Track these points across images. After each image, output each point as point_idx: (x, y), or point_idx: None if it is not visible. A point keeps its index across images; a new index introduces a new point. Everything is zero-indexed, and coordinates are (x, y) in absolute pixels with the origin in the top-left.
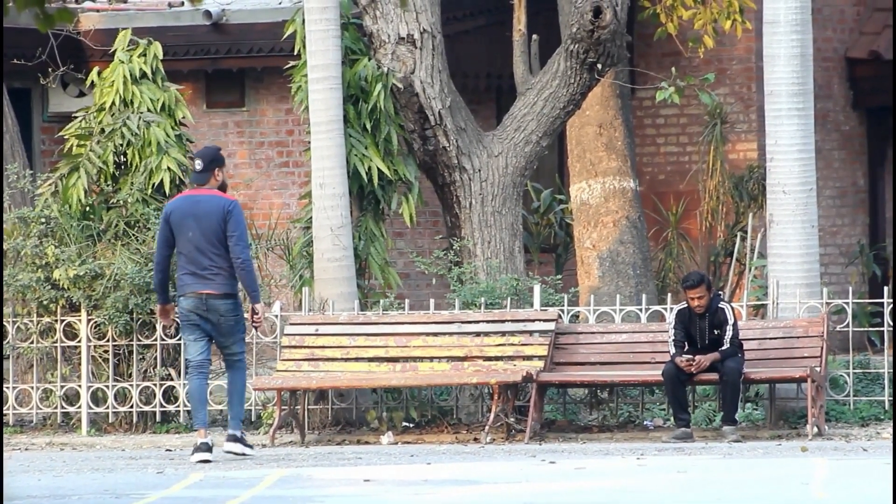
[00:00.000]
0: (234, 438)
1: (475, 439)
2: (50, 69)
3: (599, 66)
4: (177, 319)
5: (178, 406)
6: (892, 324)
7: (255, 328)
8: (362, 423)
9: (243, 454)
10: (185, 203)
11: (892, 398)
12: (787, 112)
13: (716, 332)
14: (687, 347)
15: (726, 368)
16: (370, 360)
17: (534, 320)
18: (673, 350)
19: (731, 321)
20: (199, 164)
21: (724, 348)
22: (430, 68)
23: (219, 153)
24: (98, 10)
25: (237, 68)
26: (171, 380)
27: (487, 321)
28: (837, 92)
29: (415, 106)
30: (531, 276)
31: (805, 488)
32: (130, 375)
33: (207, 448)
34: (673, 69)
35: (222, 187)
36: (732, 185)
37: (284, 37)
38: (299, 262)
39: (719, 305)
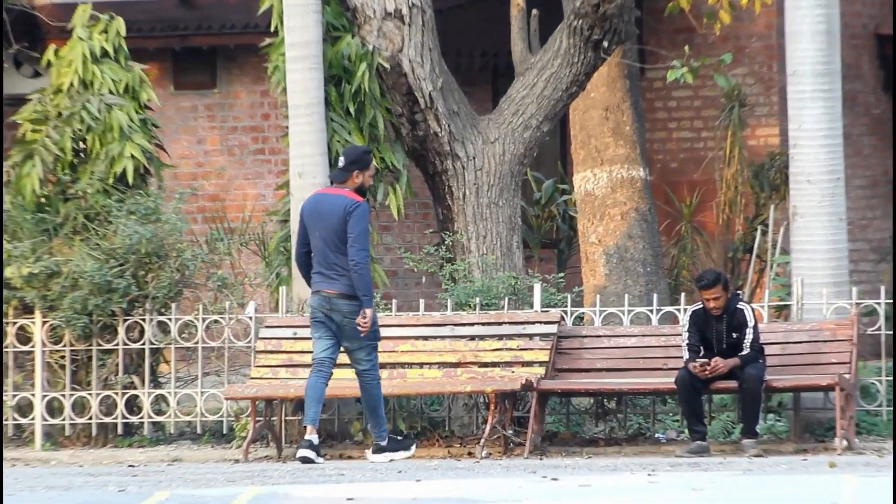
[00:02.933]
0: (378, 449)
1: (469, 453)
2: (2, 47)
3: (605, 43)
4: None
5: (143, 417)
6: None
7: (361, 333)
8: (345, 436)
9: (391, 460)
10: (314, 201)
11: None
12: (812, 94)
13: (734, 335)
14: (702, 352)
15: (746, 375)
16: None
17: (534, 322)
18: (687, 355)
19: (750, 324)
20: (341, 161)
21: (743, 353)
22: (420, 46)
23: (365, 155)
24: None
25: (208, 46)
26: (135, 388)
27: (483, 323)
28: (867, 71)
29: (403, 87)
30: (531, 273)
31: None
32: (90, 384)
33: (310, 445)
34: (686, 47)
35: (360, 191)
36: (752, 174)
37: (260, 12)
38: (276, 258)
39: (738, 306)
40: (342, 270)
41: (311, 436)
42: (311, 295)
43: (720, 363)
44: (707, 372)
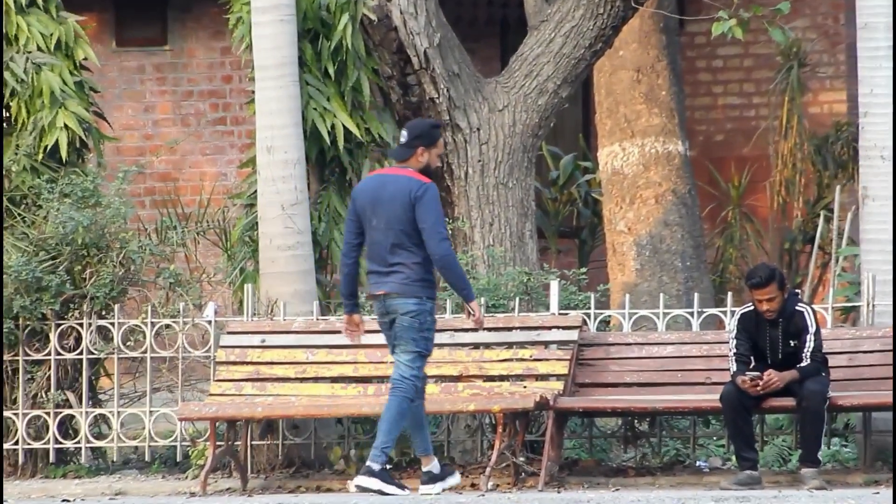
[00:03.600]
0: (369, 472)
1: (473, 485)
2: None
3: None
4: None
5: (79, 442)
6: None
7: (476, 327)
8: (323, 464)
9: (379, 492)
10: (372, 184)
11: None
12: (888, 51)
13: (792, 343)
14: (753, 364)
15: (806, 391)
16: (334, 380)
17: (550, 328)
18: (734, 367)
19: (811, 329)
20: (403, 136)
21: (802, 365)
22: None
23: (432, 129)
24: None
25: None
26: (70, 407)
27: (489, 329)
28: None
29: (393, 44)
30: (547, 269)
31: None
32: (15, 401)
33: (432, 478)
34: None
35: (426, 171)
36: (814, 149)
37: None
38: (240, 250)
39: (796, 308)
40: (398, 267)
41: (429, 466)
42: (369, 300)
43: (775, 376)
44: (759, 388)
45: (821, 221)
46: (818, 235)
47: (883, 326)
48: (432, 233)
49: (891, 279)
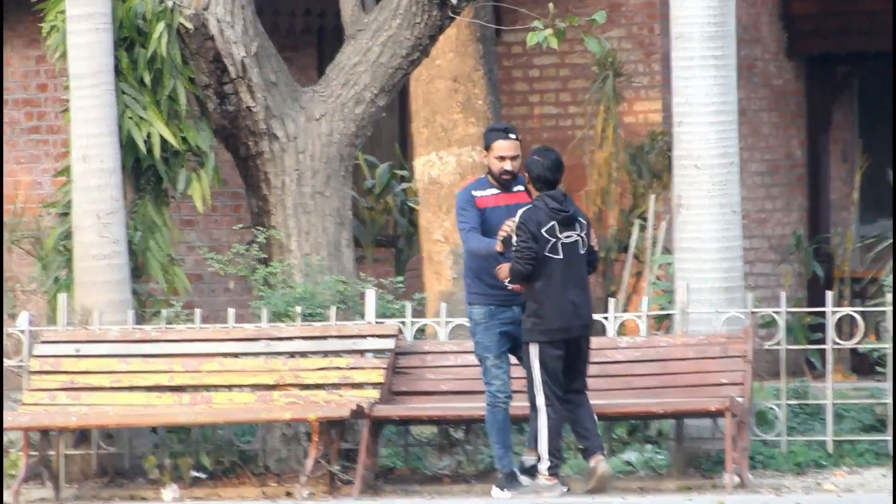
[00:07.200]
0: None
1: (288, 493)
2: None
3: (454, 0)
4: None
5: None
6: (838, 341)
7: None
8: (138, 474)
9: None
10: None
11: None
12: (702, 61)
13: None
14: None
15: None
16: (149, 389)
17: (366, 336)
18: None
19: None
20: None
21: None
22: (230, 2)
23: (486, 133)
24: None
25: None
26: None
27: (305, 338)
28: (767, 35)
29: (209, 53)
30: (363, 277)
31: None
32: None
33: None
34: (550, 5)
35: (494, 175)
36: (629, 158)
37: None
38: (55, 259)
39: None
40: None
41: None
42: None
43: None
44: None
45: (635, 230)
46: (632, 244)
47: (696, 334)
48: (459, 233)
49: (706, 287)
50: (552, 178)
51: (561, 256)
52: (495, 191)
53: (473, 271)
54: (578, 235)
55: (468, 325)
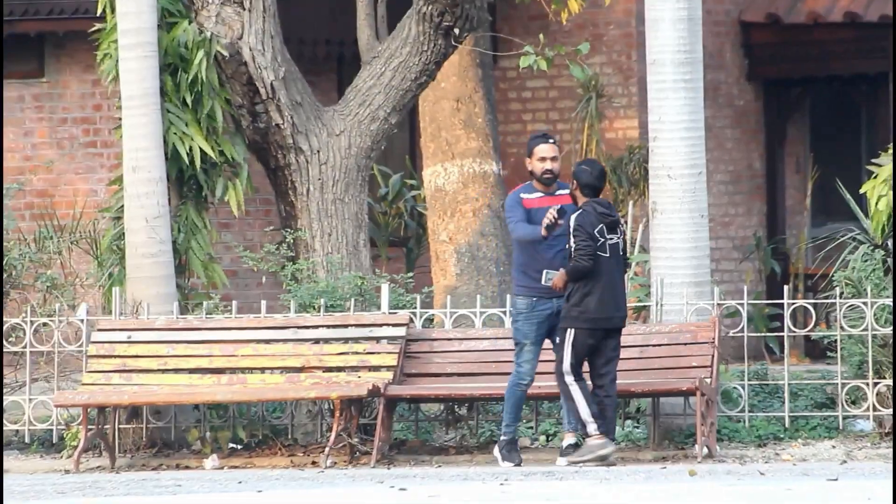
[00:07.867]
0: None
1: (314, 463)
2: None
3: (457, 30)
4: None
5: None
6: (793, 329)
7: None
8: (182, 445)
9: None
10: None
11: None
12: (673, 84)
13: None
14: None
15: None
16: (191, 371)
17: (381, 325)
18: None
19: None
20: None
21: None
22: (261, 33)
23: (529, 141)
24: None
25: (35, 32)
26: None
27: (327, 326)
28: (730, 61)
29: (243, 77)
30: (378, 273)
31: None
32: None
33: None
34: (541, 35)
35: (540, 179)
36: (610, 169)
37: None
38: (109, 257)
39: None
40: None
41: (572, 439)
42: None
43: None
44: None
45: None
46: None
47: (669, 323)
48: (507, 226)
49: (677, 282)
50: (599, 186)
51: (608, 255)
52: (540, 194)
53: (521, 266)
54: (619, 238)
55: (481, 313)
